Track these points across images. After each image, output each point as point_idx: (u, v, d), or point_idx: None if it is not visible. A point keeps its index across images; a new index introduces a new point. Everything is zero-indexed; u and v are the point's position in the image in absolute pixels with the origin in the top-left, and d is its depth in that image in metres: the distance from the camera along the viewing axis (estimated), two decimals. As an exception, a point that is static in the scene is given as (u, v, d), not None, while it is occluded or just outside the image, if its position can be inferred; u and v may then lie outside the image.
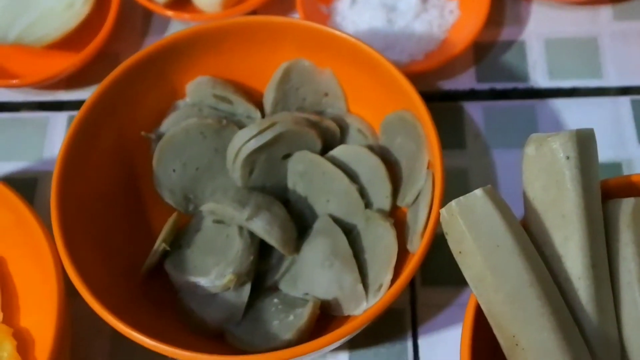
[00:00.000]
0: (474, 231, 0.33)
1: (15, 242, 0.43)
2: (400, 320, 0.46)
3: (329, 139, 0.46)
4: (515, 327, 0.32)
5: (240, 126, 0.46)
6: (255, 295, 0.43)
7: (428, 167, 0.41)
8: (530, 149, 0.35)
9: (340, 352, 0.45)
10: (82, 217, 0.41)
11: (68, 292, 0.40)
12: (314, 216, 0.45)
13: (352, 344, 0.45)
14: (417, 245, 0.39)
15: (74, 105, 0.55)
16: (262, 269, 0.45)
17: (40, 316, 0.43)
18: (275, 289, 0.44)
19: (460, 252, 0.34)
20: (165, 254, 0.44)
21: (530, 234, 0.35)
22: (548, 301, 0.32)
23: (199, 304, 0.43)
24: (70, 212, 0.40)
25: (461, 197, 0.34)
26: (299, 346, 0.36)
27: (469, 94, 0.54)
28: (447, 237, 0.34)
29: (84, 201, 0.42)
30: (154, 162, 0.46)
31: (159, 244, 0.42)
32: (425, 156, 0.41)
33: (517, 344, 0.32)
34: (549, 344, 0.32)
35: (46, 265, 0.39)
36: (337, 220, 0.44)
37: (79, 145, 0.42)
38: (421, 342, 0.45)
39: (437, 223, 0.38)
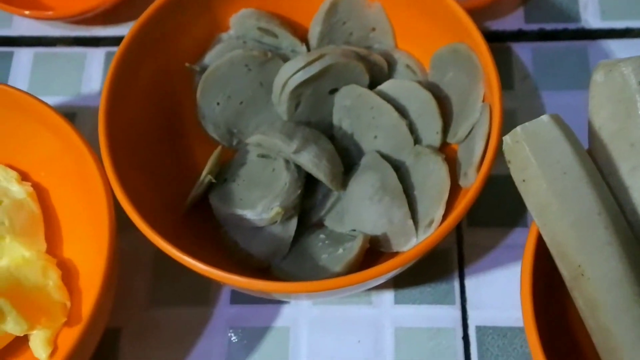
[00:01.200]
0: (540, 157, 0.32)
1: (60, 171, 0.43)
2: (446, 261, 0.45)
3: (376, 75, 0.45)
4: (581, 256, 0.31)
5: (285, 60, 0.45)
6: (301, 231, 0.43)
7: (483, 101, 0.40)
8: (598, 76, 0.34)
9: (385, 290, 0.44)
10: (128, 148, 0.40)
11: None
12: (360, 153, 0.44)
13: (397, 282, 0.44)
14: (473, 178, 0.38)
15: (111, 41, 0.54)
16: (307, 205, 0.44)
17: (84, 247, 0.42)
18: (320, 225, 0.44)
19: (523, 180, 0.33)
20: (209, 187, 0.43)
21: (595, 165, 0.33)
22: (615, 231, 0.31)
23: (244, 238, 0.42)
24: (117, 143, 0.39)
25: (526, 123, 0.32)
26: (348, 276, 0.35)
27: (517, 35, 0.52)
28: (509, 165, 0.33)
29: (129, 133, 0.41)
30: (198, 94, 0.45)
31: (205, 176, 0.42)
32: (480, 89, 0.40)
33: (582, 274, 0.31)
34: (615, 273, 0.31)
35: (96, 194, 0.38)
36: (384, 157, 0.43)
37: (122, 78, 0.41)
38: (468, 282, 0.44)
39: (496, 154, 0.37)
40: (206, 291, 0.45)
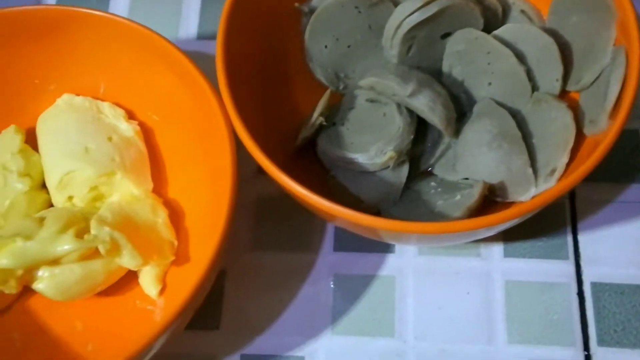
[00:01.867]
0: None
1: (169, 110, 0.42)
2: (558, 214, 0.43)
3: (489, 20, 0.43)
4: None
5: (396, 4, 0.43)
6: (409, 178, 0.42)
7: (615, 44, 0.38)
8: None
9: (494, 242, 0.43)
10: (242, 85, 0.39)
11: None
12: (470, 101, 0.43)
13: (506, 235, 0.43)
14: (604, 125, 0.36)
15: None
16: (415, 153, 0.42)
17: (192, 188, 0.42)
18: (428, 174, 0.42)
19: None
20: (317, 131, 0.42)
21: None
22: None
23: (353, 182, 0.41)
24: (233, 80, 0.38)
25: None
26: (477, 218, 0.33)
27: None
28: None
29: (242, 70, 0.40)
30: (306, 36, 0.44)
31: (316, 118, 0.41)
32: (611, 32, 0.38)
33: None
34: None
35: (215, 132, 0.37)
36: (499, 104, 0.41)
37: (237, 14, 0.40)
38: (581, 237, 0.42)
39: (634, 100, 0.35)
40: (309, 237, 0.44)
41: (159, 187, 0.43)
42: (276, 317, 0.42)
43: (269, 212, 0.45)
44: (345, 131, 0.42)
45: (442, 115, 0.40)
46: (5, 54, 0.42)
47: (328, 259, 0.43)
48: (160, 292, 0.40)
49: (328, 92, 0.42)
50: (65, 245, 0.36)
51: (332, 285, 0.42)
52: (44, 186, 0.42)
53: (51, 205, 0.42)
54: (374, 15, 0.43)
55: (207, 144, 0.39)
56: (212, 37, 0.41)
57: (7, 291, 0.37)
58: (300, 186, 0.35)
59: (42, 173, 0.41)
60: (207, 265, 0.34)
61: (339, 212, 0.34)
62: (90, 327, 0.40)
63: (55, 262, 0.37)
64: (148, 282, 0.40)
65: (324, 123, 0.41)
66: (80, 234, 0.37)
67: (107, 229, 0.37)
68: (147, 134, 0.44)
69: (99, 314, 0.40)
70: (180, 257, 0.41)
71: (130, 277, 0.41)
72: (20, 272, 0.36)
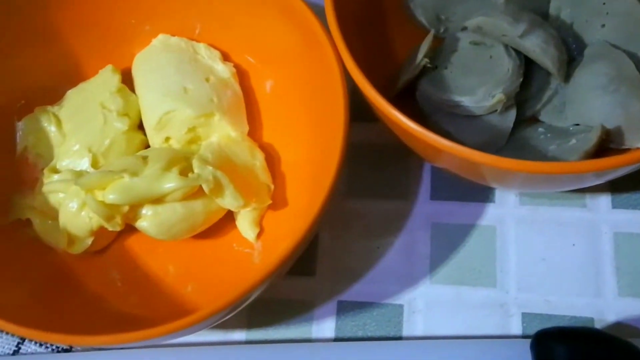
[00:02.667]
0: None
1: (269, 52, 0.41)
2: (670, 165, 0.41)
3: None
4: None
5: (502, -59, 0.41)
6: (513, 125, 0.40)
7: None
8: None
9: (601, 193, 0.41)
10: (348, 25, 0.38)
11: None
12: (579, 45, 0.41)
13: (614, 185, 0.41)
14: None
15: None
16: (520, 98, 0.41)
17: (288, 132, 0.41)
18: (533, 120, 0.41)
19: None
20: (419, 74, 0.40)
21: None
22: None
23: (456, 127, 0.40)
24: (340, 19, 0.36)
25: None
26: (599, 160, 0.31)
27: None
28: None
29: (347, 10, 0.38)
30: (408, -25, 0.42)
31: (421, 59, 0.39)
32: None
33: None
34: None
35: (326, 74, 0.36)
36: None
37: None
38: (695, 189, 0.40)
39: None
40: (404, 186, 0.43)
41: (252, 131, 0.42)
42: (372, 264, 0.41)
43: (363, 160, 0.44)
44: (449, 74, 0.40)
45: (555, 57, 0.38)
46: (103, -6, 0.42)
47: (424, 207, 0.42)
48: (257, 235, 0.39)
49: (431, 33, 0.41)
50: (171, 182, 0.36)
51: (432, 234, 0.41)
52: (140, 127, 0.42)
53: (147, 146, 0.41)
54: (478, -46, 0.41)
55: (311, 87, 0.38)
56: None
57: (111, 228, 0.37)
58: (412, 121, 0.34)
59: (139, 114, 0.41)
60: (316, 213, 0.33)
61: (450, 148, 0.33)
62: (189, 268, 0.40)
63: (158, 200, 0.37)
64: (246, 225, 0.39)
65: (429, 65, 0.40)
66: (183, 173, 0.37)
67: (210, 168, 0.37)
68: (241, 76, 0.43)
69: (197, 256, 0.40)
70: (277, 201, 0.40)
71: (225, 221, 0.40)
72: (126, 208, 0.36)
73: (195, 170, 0.37)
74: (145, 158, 0.37)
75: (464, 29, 0.41)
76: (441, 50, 0.42)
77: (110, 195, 0.35)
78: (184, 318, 0.31)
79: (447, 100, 0.39)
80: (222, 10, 0.41)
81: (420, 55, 0.39)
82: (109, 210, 0.36)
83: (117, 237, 0.40)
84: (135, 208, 0.37)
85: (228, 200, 0.37)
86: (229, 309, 0.32)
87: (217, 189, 0.37)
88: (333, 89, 0.35)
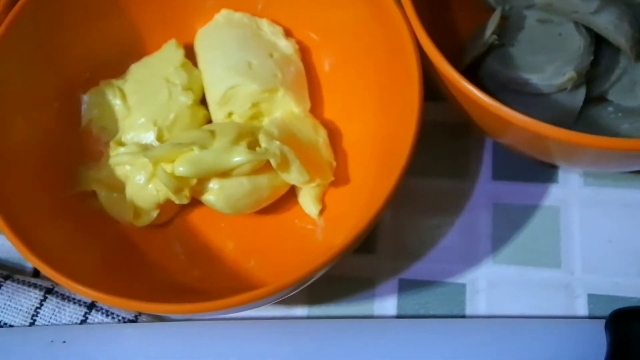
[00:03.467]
0: None
1: (333, 28, 0.41)
2: None
3: None
4: None
5: None
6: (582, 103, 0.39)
7: None
8: None
9: (666, 176, 0.40)
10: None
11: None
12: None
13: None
14: None
15: None
16: (588, 77, 0.40)
17: (351, 109, 0.41)
18: (601, 99, 0.40)
19: None
20: (485, 52, 0.40)
21: None
22: None
23: (523, 106, 0.38)
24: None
25: None
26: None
27: None
28: None
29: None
30: (473, -49, 0.41)
31: (489, 36, 0.39)
32: None
33: None
34: None
35: (398, 52, 0.35)
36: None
37: None
38: None
39: None
40: (465, 165, 0.43)
41: (314, 107, 0.42)
42: (434, 243, 0.41)
43: (422, 138, 0.43)
44: (516, 52, 0.39)
45: (629, 35, 0.37)
46: (165, -33, 0.42)
47: (486, 187, 0.42)
48: (319, 212, 0.39)
49: (498, 10, 0.40)
50: (239, 156, 0.36)
51: (495, 214, 0.41)
52: (202, 102, 0.42)
53: (210, 121, 0.41)
54: None
55: (377, 63, 0.38)
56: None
57: (178, 201, 0.37)
58: (486, 95, 0.33)
59: (202, 88, 0.41)
60: (389, 192, 0.33)
61: (525, 123, 0.33)
62: (251, 243, 0.40)
63: (225, 174, 0.37)
64: (308, 201, 0.39)
65: (497, 41, 0.39)
66: (250, 147, 0.37)
67: (277, 142, 0.37)
68: (303, 52, 0.43)
69: (259, 232, 0.40)
70: (338, 178, 0.40)
71: (287, 197, 0.40)
72: (194, 181, 0.36)
73: (263, 145, 0.37)
74: (212, 132, 0.37)
75: (531, 6, 0.41)
76: (507, 27, 0.41)
77: (180, 168, 0.35)
78: (252, 291, 0.31)
79: (515, 78, 0.39)
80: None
81: (488, 32, 0.39)
82: (179, 183, 0.36)
83: (179, 211, 0.41)
84: (202, 182, 0.37)
85: (294, 176, 0.37)
86: (296, 285, 0.32)
87: (284, 163, 0.37)
88: (404, 64, 0.35)
